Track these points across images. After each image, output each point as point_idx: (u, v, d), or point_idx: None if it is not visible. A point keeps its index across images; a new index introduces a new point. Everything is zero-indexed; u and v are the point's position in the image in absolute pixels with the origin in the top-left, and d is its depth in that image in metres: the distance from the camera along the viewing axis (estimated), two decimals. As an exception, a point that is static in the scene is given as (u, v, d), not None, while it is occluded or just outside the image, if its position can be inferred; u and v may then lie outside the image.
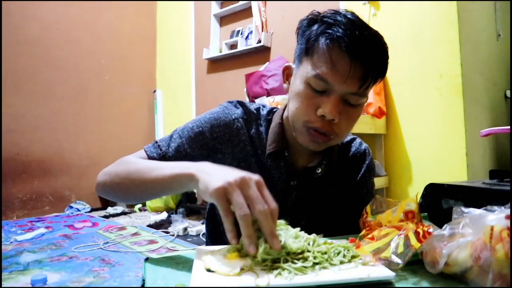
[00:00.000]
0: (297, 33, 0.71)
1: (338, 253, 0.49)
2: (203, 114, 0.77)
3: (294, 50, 0.73)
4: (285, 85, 0.76)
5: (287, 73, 0.75)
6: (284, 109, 0.79)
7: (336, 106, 0.63)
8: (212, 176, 0.49)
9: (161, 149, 0.72)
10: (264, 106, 0.83)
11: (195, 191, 3.83)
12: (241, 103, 0.80)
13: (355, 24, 0.62)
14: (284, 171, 0.76)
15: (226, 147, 0.76)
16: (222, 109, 0.78)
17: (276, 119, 0.78)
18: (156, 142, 0.74)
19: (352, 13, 0.64)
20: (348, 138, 0.86)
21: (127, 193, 0.66)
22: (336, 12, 0.65)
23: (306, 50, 0.67)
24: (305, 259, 0.47)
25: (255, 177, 0.49)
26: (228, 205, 0.47)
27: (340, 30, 0.61)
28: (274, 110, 0.82)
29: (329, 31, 0.63)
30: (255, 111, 0.80)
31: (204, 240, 2.87)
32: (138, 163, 0.65)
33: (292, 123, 0.71)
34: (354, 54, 0.61)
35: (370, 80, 0.64)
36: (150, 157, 0.71)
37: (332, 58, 0.62)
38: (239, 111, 0.78)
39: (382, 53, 0.65)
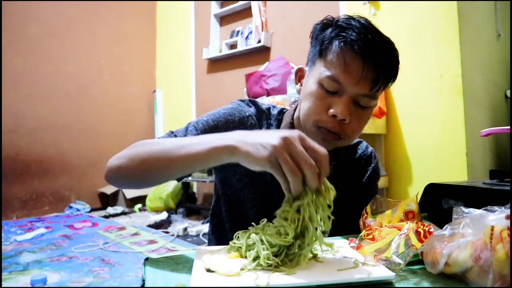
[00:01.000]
0: (311, 36, 0.73)
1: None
2: (217, 109, 0.78)
3: (306, 52, 0.75)
4: (297, 87, 0.77)
5: (299, 75, 0.77)
6: (294, 110, 0.80)
7: (347, 106, 0.65)
8: (255, 146, 0.49)
9: None
10: (274, 107, 0.84)
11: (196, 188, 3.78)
12: (253, 102, 0.82)
13: (368, 29, 0.64)
14: None
15: None
16: (236, 106, 0.79)
17: (286, 119, 0.79)
18: (172, 132, 0.73)
19: (365, 19, 0.67)
20: (355, 140, 0.87)
21: (149, 174, 0.62)
22: (350, 17, 0.67)
23: (320, 52, 0.68)
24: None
25: (295, 133, 0.49)
26: (281, 170, 0.47)
27: (354, 33, 0.64)
28: (284, 110, 0.83)
29: (343, 34, 0.65)
30: (266, 111, 0.82)
31: (204, 240, 2.86)
32: (161, 142, 0.62)
33: (303, 122, 0.72)
34: (367, 56, 0.63)
35: (381, 83, 0.66)
36: None
37: (345, 60, 0.64)
38: (252, 109, 0.80)
39: (394, 57, 0.67)
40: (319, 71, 0.67)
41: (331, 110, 0.66)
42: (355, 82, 0.64)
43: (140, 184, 0.67)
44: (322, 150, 0.48)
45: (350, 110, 0.66)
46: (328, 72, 0.65)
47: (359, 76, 0.64)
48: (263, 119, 0.80)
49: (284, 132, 0.48)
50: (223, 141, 0.52)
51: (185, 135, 0.72)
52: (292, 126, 0.78)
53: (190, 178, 3.36)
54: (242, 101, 0.81)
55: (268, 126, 0.80)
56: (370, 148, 0.88)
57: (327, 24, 0.69)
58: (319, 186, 0.48)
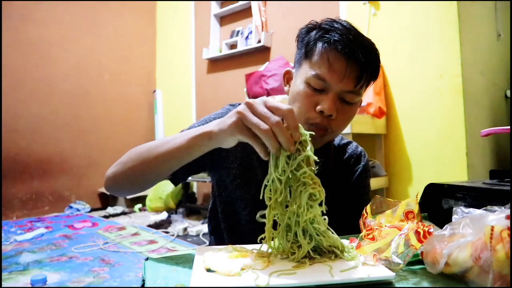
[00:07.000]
0: (297, 40, 0.77)
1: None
2: (208, 115, 0.81)
3: (294, 54, 0.79)
4: (286, 88, 0.82)
5: (287, 77, 0.82)
6: None
7: (333, 102, 0.69)
8: (223, 122, 0.53)
9: None
10: None
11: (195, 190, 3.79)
12: None
13: (350, 30, 0.70)
14: None
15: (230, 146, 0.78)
16: (225, 110, 0.82)
17: None
18: None
19: (347, 22, 0.72)
20: (344, 141, 0.91)
21: (140, 173, 0.66)
22: (333, 20, 0.72)
23: (306, 53, 0.73)
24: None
25: (258, 99, 0.52)
26: (251, 132, 0.50)
27: (337, 35, 0.69)
28: None
29: (327, 35, 0.70)
30: None
31: (204, 240, 2.86)
32: (149, 143, 0.67)
33: None
34: (350, 55, 0.68)
35: (365, 80, 0.70)
36: None
37: (329, 59, 0.68)
38: None
39: (375, 56, 0.72)
40: (306, 71, 0.72)
41: (319, 107, 0.69)
42: (340, 79, 0.68)
43: (136, 185, 0.70)
44: (284, 106, 0.50)
45: (336, 106, 0.70)
46: (314, 71, 0.70)
47: (343, 73, 0.68)
48: None
49: (246, 100, 0.52)
50: (200, 130, 0.57)
51: None
52: None
53: (190, 178, 3.35)
54: (232, 105, 0.84)
55: None
56: (360, 148, 0.91)
57: (312, 27, 0.74)
58: (290, 141, 0.49)
